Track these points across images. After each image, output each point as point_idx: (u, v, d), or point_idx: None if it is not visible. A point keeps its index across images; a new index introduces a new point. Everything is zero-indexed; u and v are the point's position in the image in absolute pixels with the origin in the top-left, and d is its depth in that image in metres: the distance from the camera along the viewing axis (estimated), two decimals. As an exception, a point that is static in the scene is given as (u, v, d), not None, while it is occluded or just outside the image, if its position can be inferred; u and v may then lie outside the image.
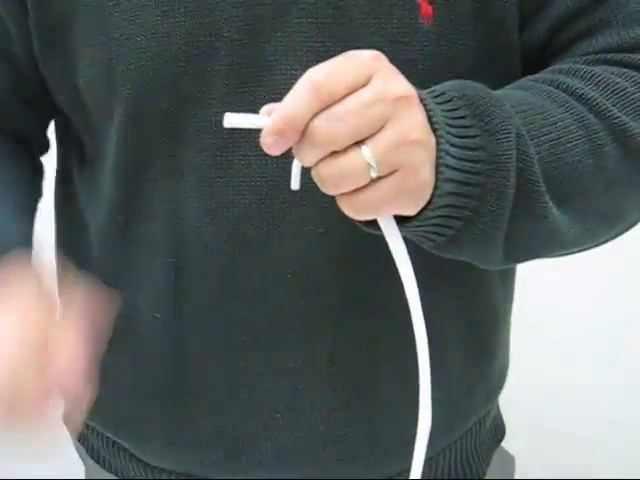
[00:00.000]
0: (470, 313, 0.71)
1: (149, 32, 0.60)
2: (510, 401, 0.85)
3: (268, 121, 0.47)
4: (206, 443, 0.69)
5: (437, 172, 0.51)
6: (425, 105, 0.51)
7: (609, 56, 0.62)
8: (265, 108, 0.49)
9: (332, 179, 0.48)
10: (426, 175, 0.50)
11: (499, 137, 0.53)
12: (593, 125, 0.58)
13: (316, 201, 0.61)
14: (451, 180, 0.51)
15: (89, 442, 0.80)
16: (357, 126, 0.46)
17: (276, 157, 0.60)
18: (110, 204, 0.67)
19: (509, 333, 0.79)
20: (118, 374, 0.71)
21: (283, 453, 0.68)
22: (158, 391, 0.70)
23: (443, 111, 0.52)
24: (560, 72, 0.62)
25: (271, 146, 0.48)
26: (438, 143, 0.51)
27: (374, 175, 0.47)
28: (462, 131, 0.52)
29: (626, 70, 0.61)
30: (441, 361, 0.69)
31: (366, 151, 0.47)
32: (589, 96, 0.59)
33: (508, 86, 0.62)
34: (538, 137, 0.56)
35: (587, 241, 0.62)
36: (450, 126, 0.52)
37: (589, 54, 0.63)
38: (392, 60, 0.59)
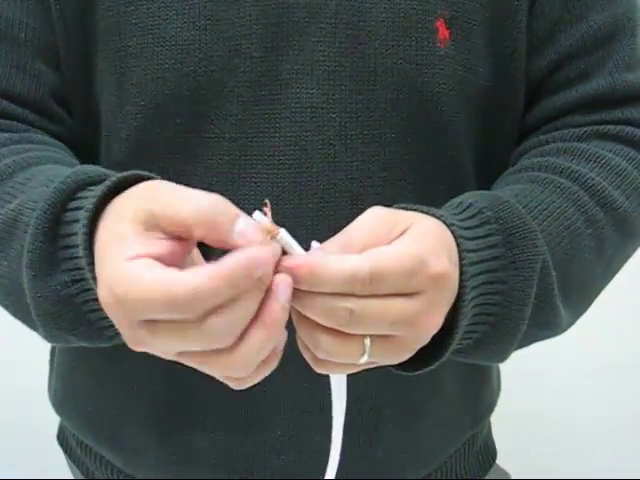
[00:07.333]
0: None
1: (167, 43, 0.59)
2: (506, 417, 0.86)
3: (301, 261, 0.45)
4: (206, 462, 0.69)
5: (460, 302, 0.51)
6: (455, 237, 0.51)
7: (605, 129, 0.65)
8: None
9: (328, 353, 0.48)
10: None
11: (523, 274, 0.54)
12: (600, 221, 0.61)
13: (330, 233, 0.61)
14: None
15: (80, 460, 0.79)
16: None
17: (288, 174, 0.60)
18: None
19: None
20: (117, 389, 0.70)
21: (284, 474, 0.68)
22: (158, 407, 0.69)
23: (474, 239, 0.53)
24: (570, 155, 0.64)
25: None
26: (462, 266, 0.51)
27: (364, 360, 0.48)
28: (488, 260, 0.53)
29: (622, 147, 0.65)
30: (439, 380, 0.70)
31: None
32: (598, 187, 0.62)
33: (526, 172, 0.64)
34: (555, 246, 0.58)
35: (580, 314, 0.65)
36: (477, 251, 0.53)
37: (584, 98, 0.65)
38: (408, 81, 0.60)
